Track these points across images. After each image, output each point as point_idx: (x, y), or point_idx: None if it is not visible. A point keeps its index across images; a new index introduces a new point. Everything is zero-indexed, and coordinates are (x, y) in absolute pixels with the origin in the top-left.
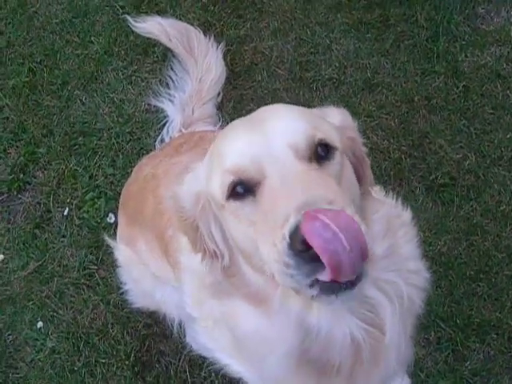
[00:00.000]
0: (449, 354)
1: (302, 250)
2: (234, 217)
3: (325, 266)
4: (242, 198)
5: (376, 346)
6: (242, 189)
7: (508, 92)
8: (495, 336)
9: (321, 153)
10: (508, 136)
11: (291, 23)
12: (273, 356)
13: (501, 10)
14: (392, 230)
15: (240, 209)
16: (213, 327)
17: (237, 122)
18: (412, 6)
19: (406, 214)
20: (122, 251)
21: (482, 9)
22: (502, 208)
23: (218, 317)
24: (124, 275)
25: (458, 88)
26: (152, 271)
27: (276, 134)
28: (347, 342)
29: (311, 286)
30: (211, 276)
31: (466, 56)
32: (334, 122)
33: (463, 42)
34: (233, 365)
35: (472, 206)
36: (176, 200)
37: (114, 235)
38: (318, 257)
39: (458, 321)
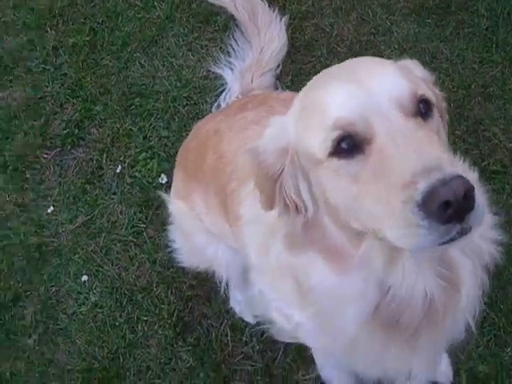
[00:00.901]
0: (490, 338)
1: (435, 212)
2: (334, 174)
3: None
4: (347, 154)
5: (448, 302)
6: (348, 145)
7: None
8: None
9: (422, 109)
10: None
11: (353, 2)
12: (347, 313)
13: None
14: None
15: (345, 166)
16: (278, 276)
17: (330, 73)
18: None
19: (473, 175)
20: (176, 205)
21: None
22: None
23: (285, 266)
24: (175, 232)
25: None
26: (207, 226)
27: (381, 89)
28: (423, 299)
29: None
30: (289, 228)
31: None
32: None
33: None
34: (294, 315)
35: None
36: (256, 153)
37: (164, 195)
38: (451, 219)
39: (502, 306)
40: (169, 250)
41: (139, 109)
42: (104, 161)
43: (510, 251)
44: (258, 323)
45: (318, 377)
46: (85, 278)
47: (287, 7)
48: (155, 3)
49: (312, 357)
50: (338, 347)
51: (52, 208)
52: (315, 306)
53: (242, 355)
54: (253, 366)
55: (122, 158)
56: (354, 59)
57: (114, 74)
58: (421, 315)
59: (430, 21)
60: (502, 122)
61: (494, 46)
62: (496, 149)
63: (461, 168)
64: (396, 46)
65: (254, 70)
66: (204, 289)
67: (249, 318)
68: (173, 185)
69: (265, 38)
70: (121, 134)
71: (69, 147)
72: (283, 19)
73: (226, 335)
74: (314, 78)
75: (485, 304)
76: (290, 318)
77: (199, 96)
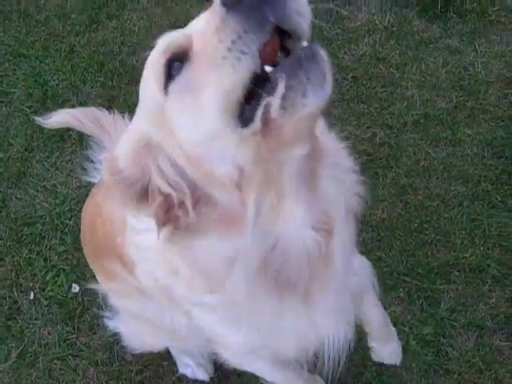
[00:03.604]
0: (422, 302)
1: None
2: (178, 104)
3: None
4: (179, 72)
5: (325, 248)
6: (176, 62)
7: (391, 69)
8: (457, 273)
9: None
10: (404, 104)
11: None
12: (236, 273)
13: (361, 7)
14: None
15: (182, 83)
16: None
17: None
18: None
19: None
20: (110, 290)
21: (345, 11)
22: (421, 164)
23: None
24: (121, 319)
25: (347, 80)
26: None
27: None
28: (303, 250)
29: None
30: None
31: (344, 53)
32: None
33: (338, 42)
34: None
35: (395, 172)
36: (112, 161)
37: (82, 302)
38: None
39: (419, 271)
40: (105, 348)
41: (31, 236)
42: (16, 294)
43: (405, 225)
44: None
45: None
46: None
47: (128, 100)
48: (11, 141)
49: None
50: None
51: None
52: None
53: None
54: None
55: (31, 285)
56: None
57: None
58: (306, 268)
59: None
60: (352, 120)
61: None
62: (355, 144)
63: None
64: None
65: None
66: (151, 368)
67: (203, 376)
68: (96, 276)
69: (116, 138)
70: (22, 264)
71: None
72: (125, 116)
73: None
74: None
75: (404, 275)
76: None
77: (80, 205)
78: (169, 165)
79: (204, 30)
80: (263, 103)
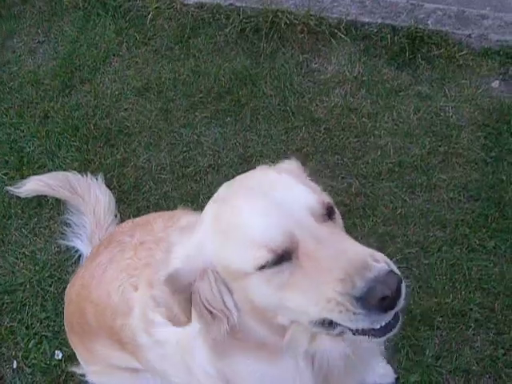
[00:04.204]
0: (407, 351)
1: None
2: (263, 282)
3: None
4: (276, 265)
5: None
6: (276, 259)
7: (363, 119)
8: (440, 318)
9: (329, 214)
10: (378, 153)
11: (159, 134)
12: None
13: (330, 59)
14: None
15: (276, 274)
16: None
17: (237, 192)
18: (255, 83)
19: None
20: (92, 373)
21: (315, 64)
22: (398, 212)
23: (215, 376)
24: None
25: (320, 132)
26: (123, 366)
27: (297, 205)
28: (342, 357)
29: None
30: (213, 336)
31: (316, 105)
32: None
33: (310, 95)
34: None
35: (373, 221)
36: (175, 278)
37: (65, 368)
38: (387, 309)
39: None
40: None
41: (12, 304)
42: None
43: None
44: None
45: None
46: None
47: (103, 162)
48: None
49: None
50: None
51: None
52: None
53: None
54: None
55: (14, 354)
56: (252, 174)
57: None
58: (343, 368)
59: (229, 119)
60: (326, 172)
61: (291, 114)
62: (331, 194)
63: (381, 257)
64: (210, 152)
65: (98, 230)
66: None
67: None
68: (77, 356)
69: (91, 201)
70: (4, 333)
71: None
72: (98, 178)
73: None
74: (222, 194)
75: None
76: None
77: (60, 271)
78: (225, 292)
79: (322, 257)
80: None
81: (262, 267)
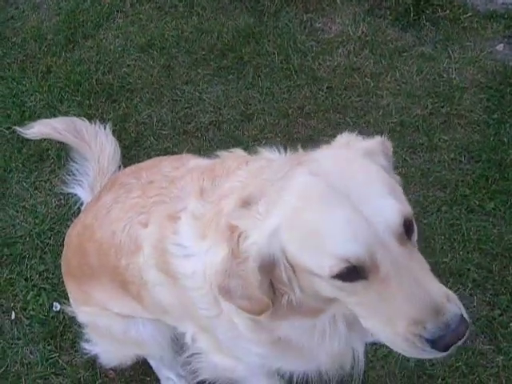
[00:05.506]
0: None
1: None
2: (334, 288)
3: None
4: (351, 279)
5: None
6: (352, 274)
7: (366, 79)
8: (437, 278)
9: (408, 229)
10: (380, 113)
11: (161, 91)
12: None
13: (334, 19)
14: None
15: (347, 286)
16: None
17: (321, 192)
18: (259, 41)
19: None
20: (82, 312)
21: (319, 23)
22: (398, 171)
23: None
24: (94, 338)
25: (322, 91)
26: (116, 312)
27: (379, 218)
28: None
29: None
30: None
31: (319, 64)
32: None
33: (313, 54)
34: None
35: None
36: (262, 264)
37: (63, 320)
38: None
39: None
40: (88, 365)
41: (11, 257)
42: None
43: None
44: None
45: None
46: None
47: (105, 118)
48: None
49: None
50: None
51: None
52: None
53: None
54: None
55: (12, 305)
56: (339, 164)
57: None
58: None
59: (231, 76)
60: (328, 130)
61: (293, 72)
62: None
63: (454, 299)
64: (212, 109)
65: (100, 179)
66: (136, 380)
67: None
68: (70, 297)
69: (96, 149)
70: (3, 285)
71: None
72: (107, 126)
73: None
74: (305, 192)
75: None
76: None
77: (60, 224)
78: (293, 277)
79: (399, 289)
80: None
81: (335, 277)
